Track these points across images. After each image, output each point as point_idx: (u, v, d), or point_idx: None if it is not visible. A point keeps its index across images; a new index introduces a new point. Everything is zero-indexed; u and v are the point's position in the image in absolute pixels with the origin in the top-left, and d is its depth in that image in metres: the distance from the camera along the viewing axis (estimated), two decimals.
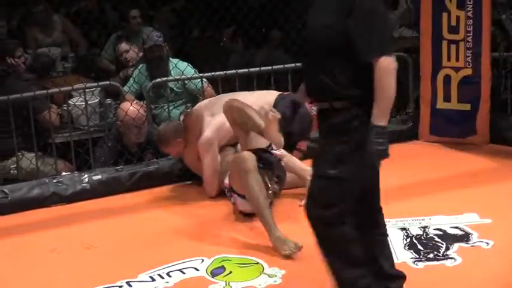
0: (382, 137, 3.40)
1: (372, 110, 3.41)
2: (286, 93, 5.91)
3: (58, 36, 8.46)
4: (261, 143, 5.28)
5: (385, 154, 3.43)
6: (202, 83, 6.55)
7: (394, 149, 6.39)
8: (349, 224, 3.56)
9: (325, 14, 3.50)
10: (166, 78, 6.63)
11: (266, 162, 5.23)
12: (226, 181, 5.26)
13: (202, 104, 5.92)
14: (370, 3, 3.42)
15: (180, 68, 6.68)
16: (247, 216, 5.12)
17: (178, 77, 6.62)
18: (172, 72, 6.77)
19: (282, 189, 5.44)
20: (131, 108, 6.00)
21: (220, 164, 5.56)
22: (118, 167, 5.97)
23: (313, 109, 6.12)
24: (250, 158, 4.94)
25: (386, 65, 3.38)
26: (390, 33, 3.61)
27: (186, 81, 6.66)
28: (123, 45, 7.58)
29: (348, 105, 3.46)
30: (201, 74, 6.62)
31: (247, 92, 5.98)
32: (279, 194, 5.40)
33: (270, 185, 5.12)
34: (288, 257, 4.49)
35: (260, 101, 5.57)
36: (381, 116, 3.40)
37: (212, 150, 5.53)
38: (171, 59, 6.92)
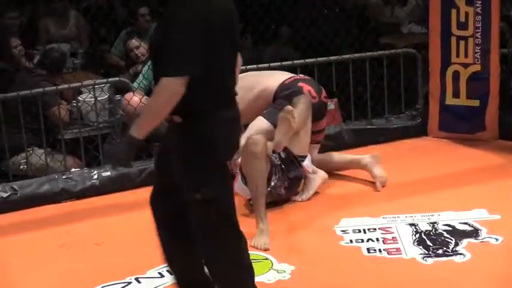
0: (128, 146, 3.42)
1: (199, 125, 3.34)
2: (289, 80, 5.66)
3: (71, 29, 8.47)
4: (298, 148, 5.27)
5: (123, 163, 3.43)
6: None
7: (403, 144, 6.54)
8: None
9: (158, 27, 3.59)
10: None
11: (286, 164, 5.21)
12: (239, 160, 5.24)
13: None
14: (184, 19, 3.24)
15: None
16: None
17: None
18: None
19: (288, 198, 5.39)
20: (134, 98, 6.01)
21: None
22: None
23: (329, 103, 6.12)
24: (261, 143, 4.93)
25: (165, 85, 3.23)
26: (193, 54, 3.22)
27: None
28: (134, 42, 7.57)
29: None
30: None
31: (268, 72, 6.00)
32: (283, 198, 5.35)
33: (273, 185, 5.12)
34: (253, 248, 4.53)
35: (276, 83, 5.58)
36: (137, 127, 3.39)
37: None
38: None
